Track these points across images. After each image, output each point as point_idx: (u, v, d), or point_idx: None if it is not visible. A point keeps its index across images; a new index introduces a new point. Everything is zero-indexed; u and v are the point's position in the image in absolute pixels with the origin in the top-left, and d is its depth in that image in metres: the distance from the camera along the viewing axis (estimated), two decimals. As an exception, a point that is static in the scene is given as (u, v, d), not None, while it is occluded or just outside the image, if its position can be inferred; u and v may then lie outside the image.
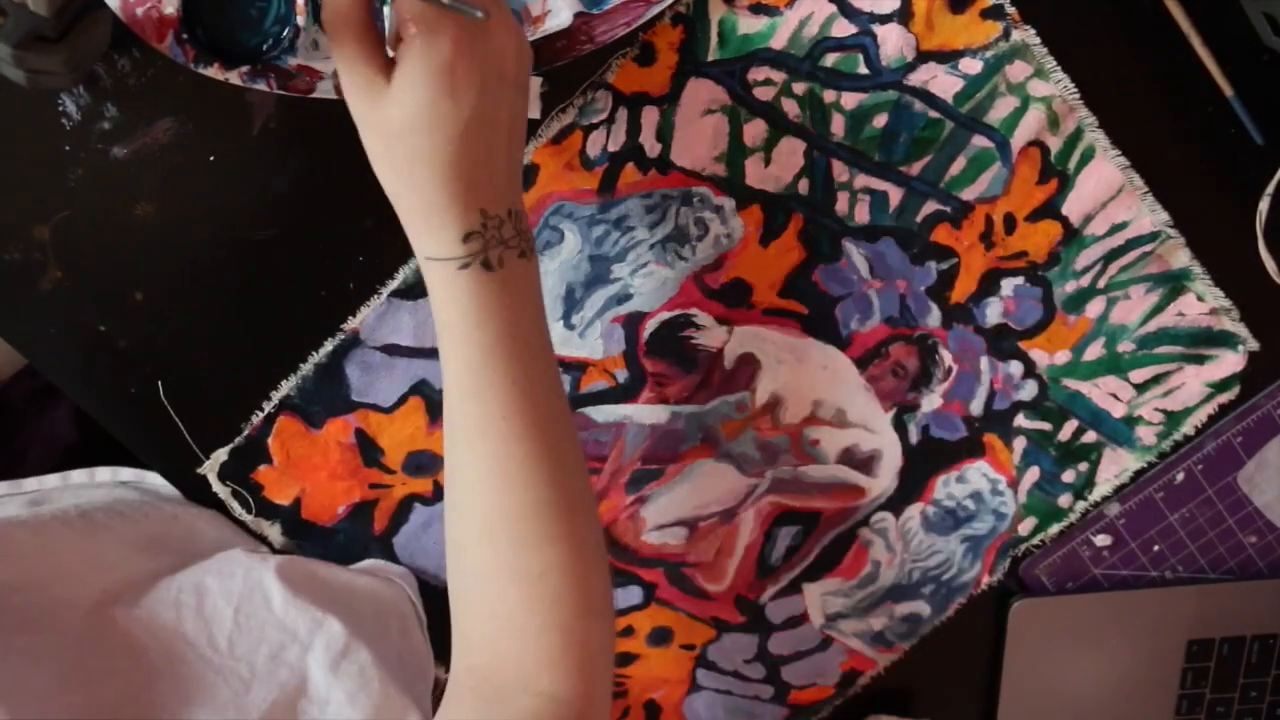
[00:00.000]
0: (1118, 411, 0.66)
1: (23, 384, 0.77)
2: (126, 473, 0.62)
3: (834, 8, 0.56)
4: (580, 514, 0.49)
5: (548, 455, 0.47)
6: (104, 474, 0.62)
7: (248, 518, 0.62)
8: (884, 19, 0.57)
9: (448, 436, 0.48)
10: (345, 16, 0.44)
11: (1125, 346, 0.64)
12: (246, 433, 0.60)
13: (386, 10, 0.47)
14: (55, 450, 0.75)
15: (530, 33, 0.54)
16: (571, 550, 0.48)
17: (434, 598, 0.65)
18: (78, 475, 0.61)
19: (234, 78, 0.51)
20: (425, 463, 0.62)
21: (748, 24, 0.56)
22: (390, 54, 0.45)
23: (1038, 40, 0.57)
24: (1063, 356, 0.64)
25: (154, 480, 0.62)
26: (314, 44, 0.52)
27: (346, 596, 0.58)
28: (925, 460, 0.66)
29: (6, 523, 0.53)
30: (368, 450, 0.61)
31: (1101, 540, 0.69)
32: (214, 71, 0.51)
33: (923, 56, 0.57)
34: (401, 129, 0.44)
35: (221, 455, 0.60)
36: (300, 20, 0.51)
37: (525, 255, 0.47)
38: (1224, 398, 0.66)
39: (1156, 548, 0.69)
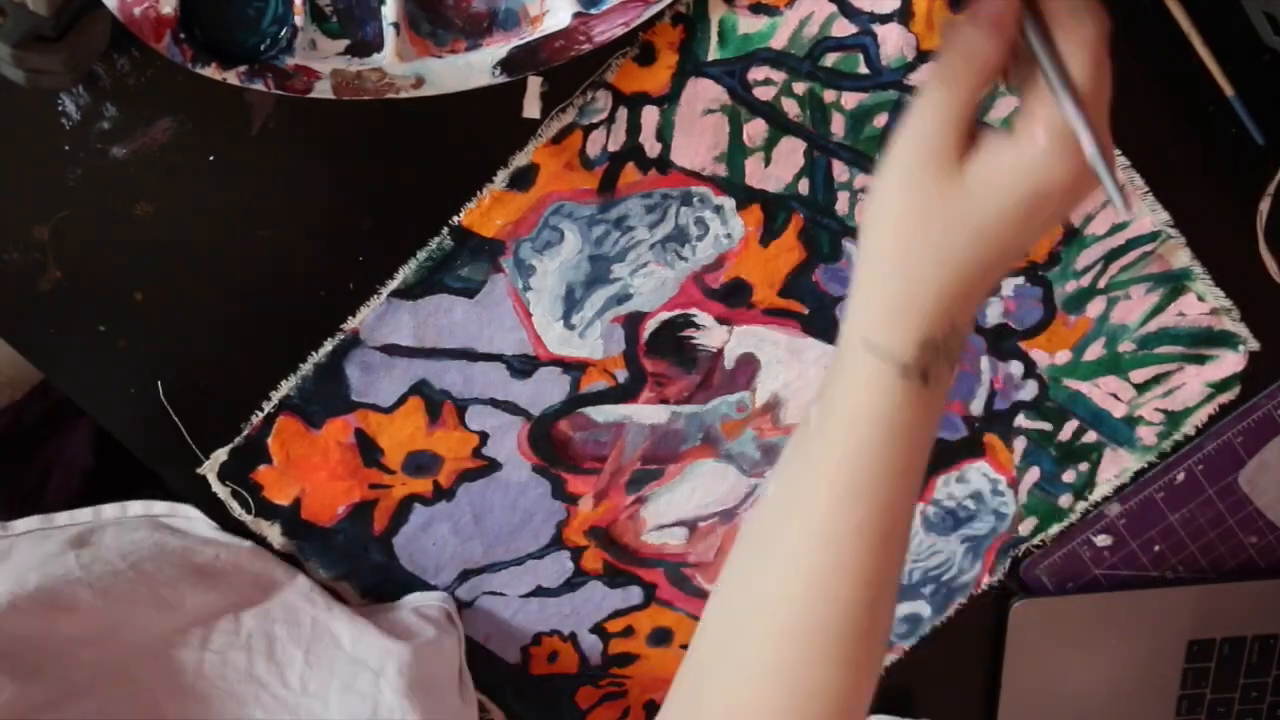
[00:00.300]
0: (1118, 411, 0.66)
1: (35, 405, 0.77)
2: (160, 506, 0.62)
3: (834, 7, 0.56)
4: (880, 648, 0.45)
5: (878, 580, 0.42)
6: (136, 508, 0.61)
7: (247, 518, 0.62)
8: (884, 19, 0.57)
9: (777, 517, 0.44)
10: (966, 74, 0.38)
11: (1126, 346, 0.64)
12: (246, 433, 0.60)
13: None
14: (74, 475, 0.75)
15: (528, 33, 0.54)
16: (854, 683, 0.43)
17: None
18: (110, 510, 0.61)
19: (231, 77, 0.51)
20: (425, 463, 0.62)
21: (748, 23, 0.56)
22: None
23: (1038, 40, 0.57)
24: (1063, 356, 0.64)
25: (188, 512, 0.62)
26: (311, 44, 0.52)
27: (411, 641, 0.59)
28: (925, 460, 0.66)
29: (65, 579, 0.53)
30: (367, 450, 0.61)
31: (1102, 540, 0.69)
32: (211, 71, 0.51)
33: (923, 56, 0.57)
34: (948, 220, 0.38)
35: (221, 455, 0.60)
36: (298, 20, 0.51)
37: (953, 366, 0.41)
38: (1224, 398, 0.66)
39: (1157, 548, 0.69)
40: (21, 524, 0.59)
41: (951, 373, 0.41)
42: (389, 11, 0.52)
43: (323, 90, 0.52)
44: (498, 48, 0.54)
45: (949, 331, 0.40)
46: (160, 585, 0.56)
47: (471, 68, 0.53)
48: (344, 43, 0.53)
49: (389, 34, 0.52)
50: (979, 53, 0.37)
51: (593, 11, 0.53)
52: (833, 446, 0.41)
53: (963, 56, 0.38)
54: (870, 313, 0.40)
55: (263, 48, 0.52)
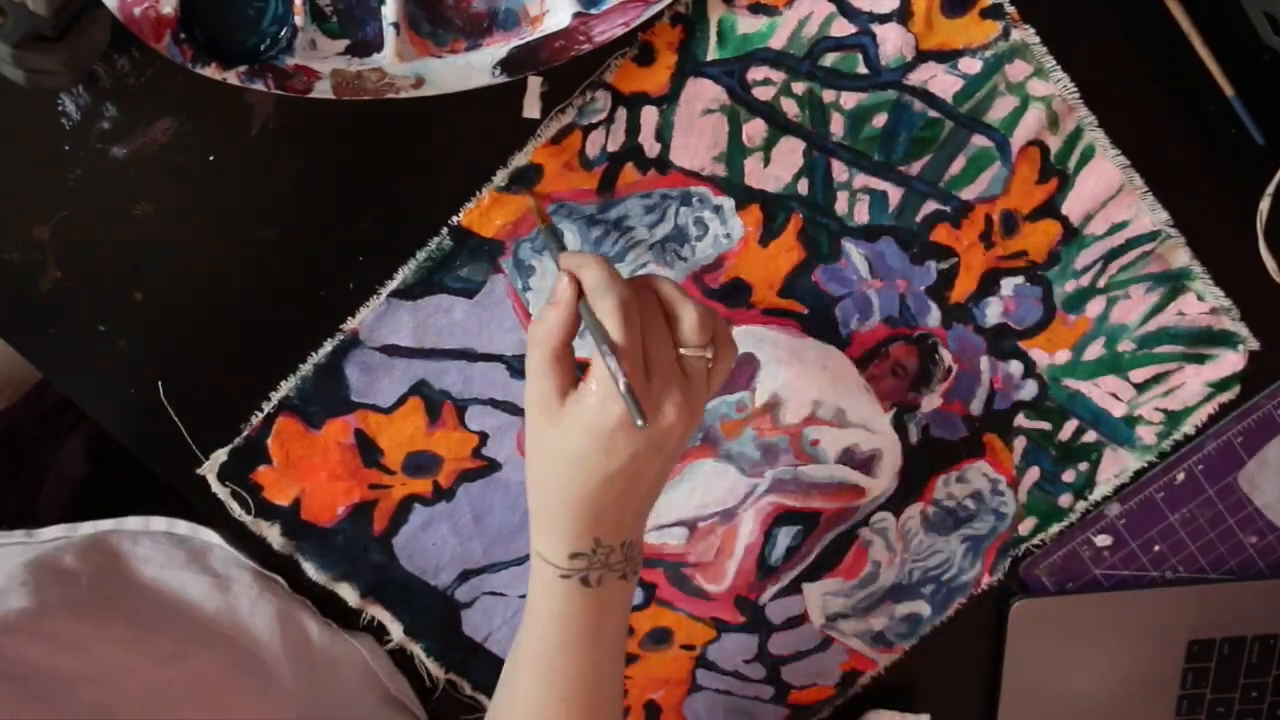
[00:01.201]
0: (1118, 411, 0.66)
1: (31, 408, 0.77)
2: (182, 526, 0.62)
3: (833, 7, 0.56)
4: None
5: None
6: (158, 523, 0.62)
7: (247, 519, 0.62)
8: (883, 18, 0.57)
9: (510, 696, 0.53)
10: (546, 338, 0.48)
11: (1125, 346, 0.64)
12: (246, 433, 0.60)
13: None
14: (66, 484, 0.75)
15: (528, 33, 0.54)
16: None
17: (431, 599, 0.65)
18: (132, 522, 0.61)
19: (231, 77, 0.51)
20: (425, 463, 0.62)
21: (747, 23, 0.56)
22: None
23: (1037, 40, 0.57)
24: (1063, 356, 0.64)
25: (208, 535, 0.62)
26: (311, 44, 0.52)
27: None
28: (925, 460, 0.66)
29: (82, 609, 0.54)
30: (367, 451, 0.61)
31: (1102, 540, 0.69)
32: (211, 71, 0.51)
33: (922, 56, 0.57)
34: (552, 452, 0.48)
35: (221, 456, 0.60)
36: (298, 20, 0.51)
37: (626, 577, 0.51)
38: (1224, 397, 0.66)
39: (1157, 548, 0.69)
40: (48, 532, 0.60)
41: (624, 578, 0.51)
42: (389, 11, 0.52)
43: (323, 90, 0.52)
44: (498, 48, 0.54)
45: (594, 545, 0.49)
46: (166, 637, 0.57)
47: (471, 68, 0.53)
48: (344, 43, 0.53)
49: (389, 34, 0.52)
50: (549, 320, 0.48)
51: (592, 11, 0.53)
52: (527, 634, 0.51)
53: (540, 324, 0.48)
54: (534, 527, 0.51)
55: (263, 48, 0.52)
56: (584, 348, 0.52)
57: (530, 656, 0.51)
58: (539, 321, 0.49)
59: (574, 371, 0.49)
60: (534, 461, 0.50)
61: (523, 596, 0.66)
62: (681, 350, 0.49)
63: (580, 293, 0.48)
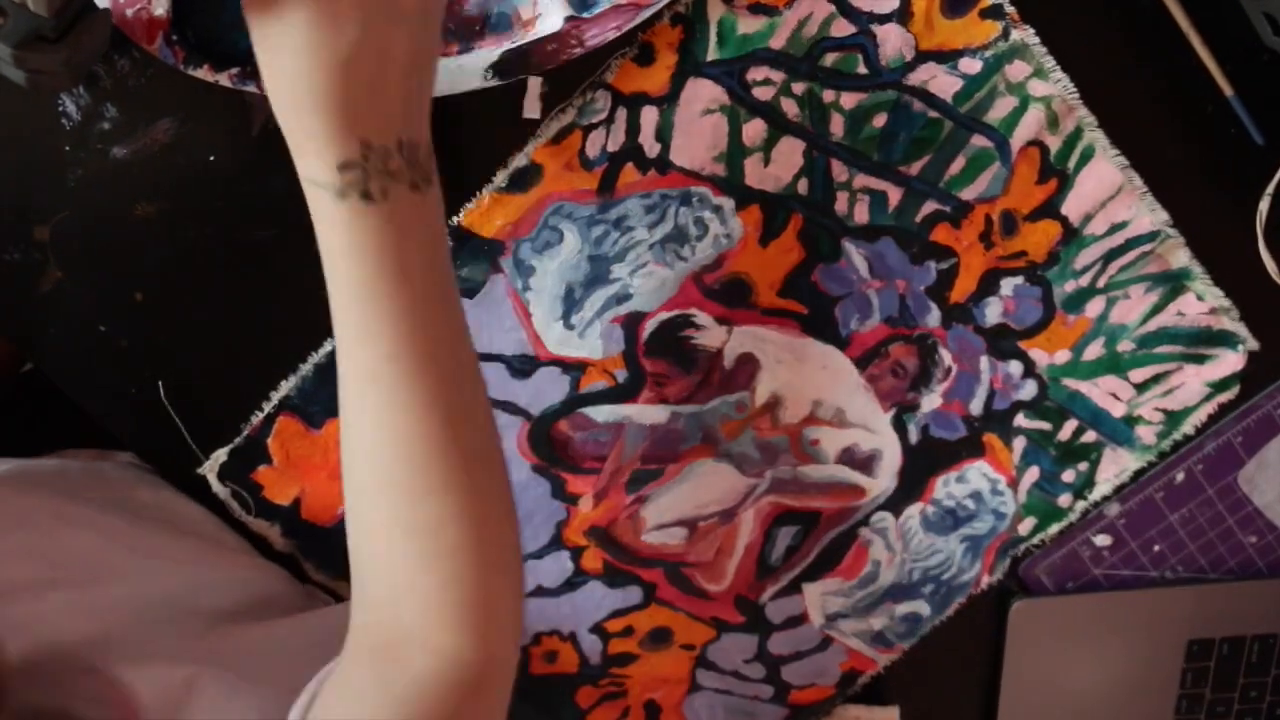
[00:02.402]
0: (1117, 411, 0.66)
1: None
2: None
3: (833, 7, 0.56)
4: (480, 464, 0.45)
5: (442, 401, 0.43)
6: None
7: (247, 518, 0.62)
8: (883, 19, 0.57)
9: (340, 383, 0.44)
10: None
11: (1125, 346, 0.64)
12: (246, 433, 0.60)
13: None
14: None
15: (520, 36, 0.54)
16: (471, 502, 0.44)
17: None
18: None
19: (224, 79, 0.51)
20: (425, 462, 0.62)
21: (747, 24, 0.56)
22: None
23: (1037, 40, 0.57)
24: (1062, 356, 0.64)
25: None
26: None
27: None
28: (925, 460, 0.66)
29: None
30: (367, 450, 0.61)
31: (1101, 540, 0.69)
32: (204, 73, 0.51)
33: (922, 56, 0.57)
34: (280, 50, 0.41)
35: (221, 455, 0.61)
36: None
37: (418, 188, 0.43)
38: (1224, 397, 0.66)
39: (1157, 548, 0.69)
40: None
41: (415, 188, 0.43)
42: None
43: (322, 91, 0.52)
44: (490, 51, 0.54)
45: (364, 150, 0.41)
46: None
47: (463, 71, 0.54)
48: (343, 43, 0.53)
49: (388, 34, 0.52)
50: None
51: (585, 15, 0.53)
52: (332, 288, 0.43)
53: None
54: (294, 152, 0.43)
55: (259, 49, 0.52)
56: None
57: (342, 317, 0.43)
58: None
59: None
60: (269, 72, 0.42)
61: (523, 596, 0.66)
62: None
63: None
